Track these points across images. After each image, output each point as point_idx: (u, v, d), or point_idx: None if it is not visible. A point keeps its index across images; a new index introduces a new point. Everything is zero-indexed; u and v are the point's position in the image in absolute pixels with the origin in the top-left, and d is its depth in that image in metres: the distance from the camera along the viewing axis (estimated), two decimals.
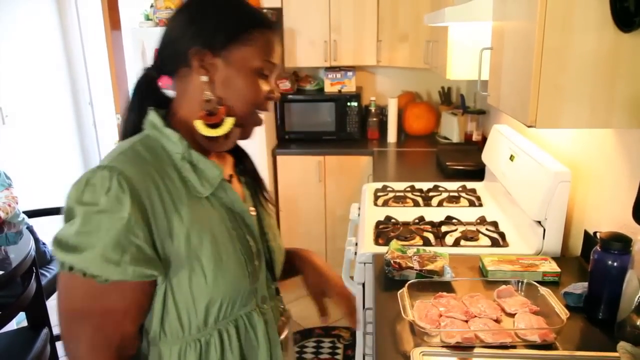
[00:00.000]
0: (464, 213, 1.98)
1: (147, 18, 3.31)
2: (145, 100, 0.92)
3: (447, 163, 2.60)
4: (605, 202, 1.43)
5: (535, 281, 1.31)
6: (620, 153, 1.36)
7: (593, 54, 1.06)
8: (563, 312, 1.14)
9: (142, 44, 3.22)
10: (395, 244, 1.55)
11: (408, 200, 2.18)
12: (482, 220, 1.89)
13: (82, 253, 0.76)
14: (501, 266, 1.43)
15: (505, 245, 1.70)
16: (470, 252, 1.63)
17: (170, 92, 0.94)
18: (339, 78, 3.51)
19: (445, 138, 3.38)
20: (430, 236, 1.77)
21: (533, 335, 1.11)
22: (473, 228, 1.83)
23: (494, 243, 1.71)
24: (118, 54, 3.74)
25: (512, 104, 1.27)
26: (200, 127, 0.88)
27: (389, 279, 1.45)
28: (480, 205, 2.12)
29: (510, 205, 1.91)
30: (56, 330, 1.68)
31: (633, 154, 1.30)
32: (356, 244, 1.87)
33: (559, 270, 1.41)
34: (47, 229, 2.44)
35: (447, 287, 1.36)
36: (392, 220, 1.91)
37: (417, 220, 1.91)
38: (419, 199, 2.18)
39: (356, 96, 3.41)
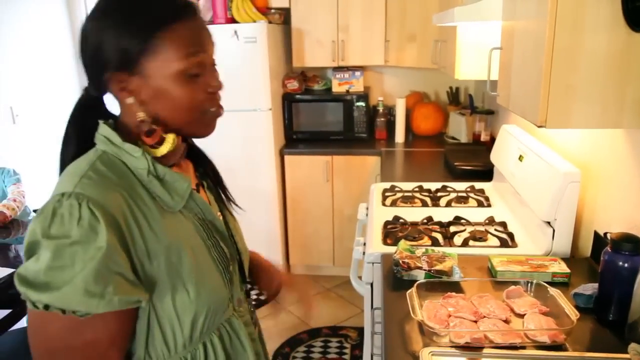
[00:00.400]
0: (473, 213, 1.97)
1: None
2: (88, 118, 0.86)
3: (456, 163, 2.59)
4: (616, 202, 1.43)
5: (545, 282, 1.30)
6: (631, 153, 1.35)
7: (604, 53, 1.05)
8: (573, 313, 1.14)
9: None
10: (403, 244, 1.55)
11: (416, 200, 2.18)
12: (490, 221, 1.88)
13: (59, 290, 0.70)
14: (510, 267, 1.42)
15: (514, 245, 1.70)
16: (478, 253, 1.63)
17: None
18: (346, 78, 3.51)
19: (453, 138, 3.37)
20: (439, 236, 1.77)
21: (543, 336, 1.11)
22: (482, 228, 1.83)
23: (503, 243, 1.70)
24: None
25: (522, 104, 1.27)
26: (147, 148, 0.83)
27: (397, 279, 1.45)
28: (489, 205, 2.11)
29: (519, 205, 1.90)
30: None
31: None
32: (364, 244, 1.87)
33: (568, 271, 1.40)
34: None
35: (456, 287, 1.35)
36: (401, 220, 1.91)
37: (425, 221, 1.91)
38: (427, 199, 2.18)
39: (364, 96, 3.41)
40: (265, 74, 3.12)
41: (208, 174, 1.03)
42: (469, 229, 1.83)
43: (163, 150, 0.84)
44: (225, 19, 3.11)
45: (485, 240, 1.74)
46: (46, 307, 0.71)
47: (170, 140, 0.84)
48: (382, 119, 3.52)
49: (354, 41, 3.37)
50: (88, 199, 0.73)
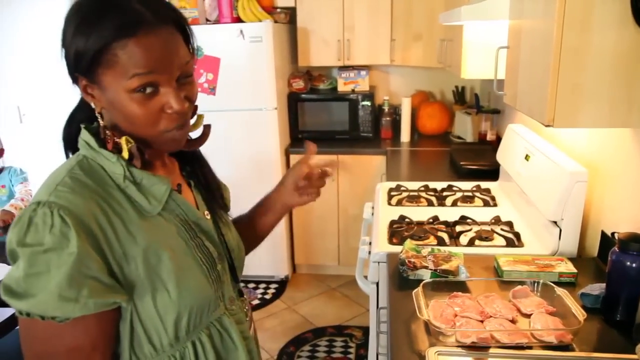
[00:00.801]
0: (479, 213, 1.97)
1: None
2: (78, 113, 0.88)
3: (461, 163, 2.58)
4: (623, 202, 1.42)
5: (551, 282, 1.30)
6: (639, 152, 1.34)
7: (612, 52, 1.04)
8: (580, 313, 1.13)
9: None
10: (409, 243, 1.55)
11: (422, 199, 2.18)
12: (496, 220, 1.88)
13: (35, 297, 0.72)
14: (517, 266, 1.42)
15: (521, 245, 1.69)
16: (485, 252, 1.62)
17: None
18: (352, 77, 3.50)
19: (459, 137, 3.36)
20: (445, 236, 1.77)
21: (549, 336, 1.11)
22: (488, 228, 1.82)
23: (509, 243, 1.70)
24: None
25: (529, 103, 1.26)
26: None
27: (403, 278, 1.45)
28: (495, 205, 2.11)
29: (525, 205, 1.90)
30: None
31: None
32: (370, 243, 1.87)
33: (575, 271, 1.39)
34: None
35: (462, 287, 1.35)
36: (406, 220, 1.91)
37: (431, 220, 1.90)
38: (433, 199, 2.17)
39: (369, 95, 3.41)
40: (271, 73, 3.12)
41: (196, 173, 1.02)
42: (475, 228, 1.83)
43: (124, 155, 0.82)
44: (231, 19, 3.12)
45: (491, 239, 1.73)
46: (27, 314, 0.73)
47: (124, 147, 0.82)
48: (388, 118, 3.52)
49: (359, 40, 3.36)
50: (60, 206, 0.74)
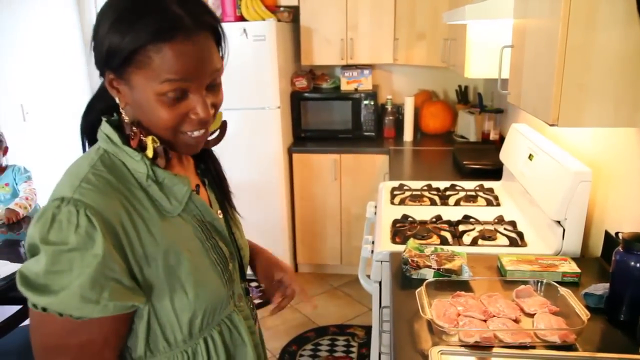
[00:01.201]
0: (482, 212, 1.96)
1: None
2: (98, 102, 0.88)
3: (464, 162, 2.58)
4: (628, 202, 1.41)
5: (555, 282, 1.29)
6: None
7: (618, 51, 1.04)
8: (584, 313, 1.13)
9: None
10: (412, 242, 1.55)
11: (425, 199, 2.17)
12: (500, 220, 1.87)
13: (57, 294, 0.72)
14: (520, 266, 1.41)
15: (524, 245, 1.69)
16: (488, 252, 1.62)
17: None
18: (355, 76, 3.50)
19: (462, 137, 3.35)
20: (448, 235, 1.77)
21: (553, 336, 1.10)
22: (491, 227, 1.82)
23: (512, 243, 1.69)
24: None
25: (534, 103, 1.26)
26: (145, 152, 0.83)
27: (406, 277, 1.44)
28: (498, 204, 2.10)
29: (528, 204, 1.89)
30: None
31: None
32: (373, 242, 1.87)
33: (579, 270, 1.39)
34: None
35: (465, 286, 1.35)
36: (409, 219, 1.90)
37: (434, 219, 1.90)
38: (436, 198, 2.17)
39: (372, 94, 3.41)
40: (274, 72, 3.12)
41: (210, 171, 1.03)
42: (478, 228, 1.82)
43: (148, 154, 0.82)
44: (235, 17, 3.12)
45: (494, 239, 1.73)
46: (44, 309, 0.73)
47: (149, 144, 0.82)
48: (391, 118, 3.52)
49: (362, 39, 3.36)
50: (86, 206, 0.74)
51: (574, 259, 1.45)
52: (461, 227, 1.84)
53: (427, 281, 1.30)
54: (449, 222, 1.88)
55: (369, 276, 1.78)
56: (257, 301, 1.14)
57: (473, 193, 2.21)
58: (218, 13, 3.17)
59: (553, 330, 1.11)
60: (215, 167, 1.04)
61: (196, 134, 0.83)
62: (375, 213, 2.17)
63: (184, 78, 0.76)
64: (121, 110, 0.83)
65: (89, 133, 0.89)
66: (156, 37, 0.73)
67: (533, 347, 1.10)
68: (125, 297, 0.76)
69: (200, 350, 0.90)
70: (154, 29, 0.73)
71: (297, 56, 3.57)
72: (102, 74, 0.82)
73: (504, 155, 2.25)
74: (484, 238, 1.73)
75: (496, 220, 1.87)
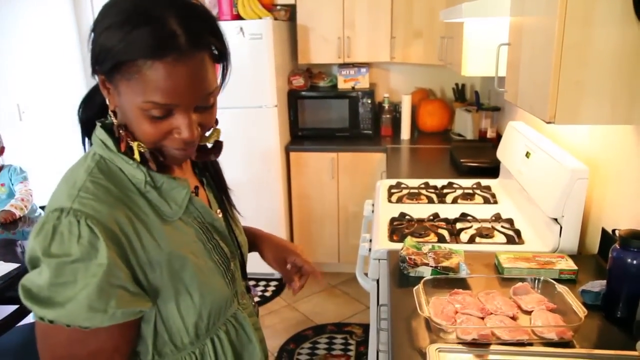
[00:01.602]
0: (479, 210, 1.97)
1: None
2: (97, 94, 0.85)
3: (462, 160, 2.58)
4: (624, 199, 1.42)
5: (552, 279, 1.30)
6: None
7: (615, 48, 1.04)
8: (581, 310, 1.13)
9: None
10: (410, 240, 1.55)
11: (422, 197, 2.18)
12: (497, 218, 1.88)
13: (63, 307, 0.71)
14: (517, 263, 1.42)
15: (521, 242, 1.69)
16: (485, 249, 1.62)
17: None
18: (352, 75, 3.50)
19: (459, 135, 3.36)
20: (445, 233, 1.77)
21: (550, 333, 1.11)
22: (488, 225, 1.82)
23: (510, 240, 1.70)
24: None
25: (531, 100, 1.26)
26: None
27: (403, 275, 1.45)
28: (495, 202, 2.11)
29: (525, 202, 1.90)
30: None
31: None
32: (370, 241, 1.87)
33: (575, 268, 1.39)
34: None
35: (463, 284, 1.35)
36: (407, 217, 1.91)
37: (431, 217, 1.90)
38: (433, 196, 2.17)
39: (370, 93, 3.41)
40: (271, 71, 3.12)
41: (208, 170, 1.02)
42: (476, 225, 1.82)
43: (136, 157, 0.80)
44: (231, 16, 3.11)
45: (491, 237, 1.73)
46: (51, 321, 0.72)
47: (135, 149, 0.80)
48: (388, 116, 3.52)
49: (359, 38, 3.36)
50: (87, 215, 0.73)
51: (571, 256, 1.46)
52: (458, 225, 1.84)
53: (424, 279, 1.30)
54: (446, 220, 1.88)
55: (366, 274, 1.78)
56: (256, 299, 1.13)
57: (470, 191, 2.21)
58: (215, 11, 3.16)
59: (550, 327, 1.12)
60: (214, 165, 1.04)
61: (179, 151, 0.81)
62: (372, 211, 2.18)
63: (169, 102, 0.73)
64: (110, 112, 0.81)
65: (88, 126, 0.87)
66: (147, 53, 0.70)
67: (530, 344, 1.10)
68: (132, 304, 0.76)
69: (208, 351, 0.90)
70: (148, 43, 0.70)
71: (294, 55, 3.56)
72: (94, 72, 0.79)
73: (501, 153, 2.25)
74: (482, 236, 1.73)
75: (493, 218, 1.88)
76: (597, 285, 1.27)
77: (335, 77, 3.59)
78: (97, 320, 0.73)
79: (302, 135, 3.51)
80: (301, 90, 3.47)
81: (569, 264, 1.41)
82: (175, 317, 0.84)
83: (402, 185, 2.29)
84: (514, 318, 1.18)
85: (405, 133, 3.44)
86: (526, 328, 1.13)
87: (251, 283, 3.47)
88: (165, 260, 0.80)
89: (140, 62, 0.71)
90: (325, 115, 3.48)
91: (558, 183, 1.54)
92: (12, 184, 2.63)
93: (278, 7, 3.30)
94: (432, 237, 1.74)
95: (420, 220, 1.88)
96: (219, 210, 0.99)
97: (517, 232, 1.74)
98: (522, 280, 1.32)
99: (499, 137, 2.82)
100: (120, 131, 0.80)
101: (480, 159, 2.57)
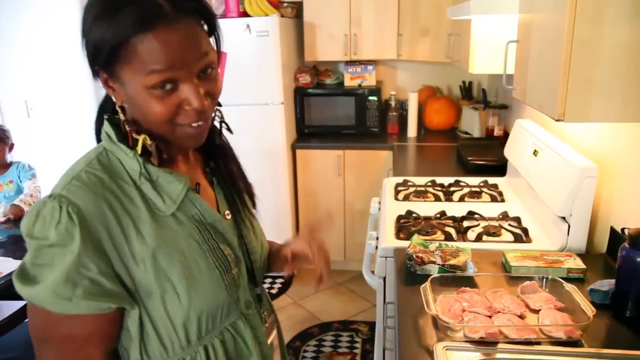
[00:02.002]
0: (486, 208, 1.96)
1: None
2: (106, 104, 0.88)
3: (469, 158, 2.57)
4: (633, 198, 1.41)
5: (560, 278, 1.29)
6: None
7: (625, 45, 1.03)
8: (589, 309, 1.13)
9: None
10: (417, 238, 1.55)
11: (429, 194, 2.17)
12: (504, 216, 1.87)
13: (34, 287, 0.74)
14: (525, 262, 1.41)
15: (529, 241, 1.68)
16: (492, 248, 1.62)
17: None
18: (359, 72, 3.49)
19: (466, 133, 3.34)
20: (452, 231, 1.76)
21: (558, 332, 1.10)
22: (495, 223, 1.81)
23: (517, 239, 1.69)
24: None
25: (539, 98, 1.25)
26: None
27: (410, 273, 1.44)
28: (503, 200, 2.10)
29: (533, 201, 1.89)
30: None
31: None
32: (377, 238, 1.87)
33: (584, 267, 1.39)
34: None
35: (470, 282, 1.35)
36: (414, 215, 1.90)
37: (438, 215, 1.90)
38: (440, 194, 2.17)
39: (376, 90, 3.40)
40: (278, 68, 3.12)
41: (220, 170, 0.98)
42: (483, 224, 1.82)
43: (138, 150, 0.81)
44: (238, 13, 3.11)
45: (499, 235, 1.72)
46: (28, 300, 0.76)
47: (139, 142, 0.80)
48: (395, 114, 3.51)
49: (366, 35, 3.35)
50: (69, 202, 0.74)
51: (579, 255, 1.45)
52: (465, 223, 1.84)
53: (431, 277, 1.30)
54: (453, 218, 1.88)
55: (373, 272, 1.78)
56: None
57: (477, 189, 2.20)
58: (221, 9, 3.16)
59: (558, 326, 1.11)
60: (227, 165, 1.00)
61: (194, 124, 0.80)
62: (379, 209, 2.17)
63: (169, 67, 0.73)
64: (117, 108, 0.81)
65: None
66: (137, 29, 0.71)
67: (538, 343, 1.09)
68: (99, 298, 0.75)
69: (200, 359, 0.87)
70: (134, 19, 0.71)
71: (300, 52, 3.56)
72: (95, 74, 0.80)
73: (509, 151, 2.24)
74: (489, 234, 1.73)
75: (501, 216, 1.87)
76: (606, 284, 1.26)
77: (342, 74, 3.58)
78: (61, 307, 0.74)
79: (308, 132, 3.51)
80: (307, 88, 3.46)
81: (577, 263, 1.40)
82: (163, 317, 0.82)
83: (409, 183, 2.29)
84: (521, 317, 1.18)
85: (411, 131, 3.43)
86: (534, 327, 1.12)
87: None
88: (150, 256, 0.79)
89: (133, 40, 0.72)
90: (331, 112, 3.47)
91: (566, 181, 1.53)
92: (21, 181, 2.64)
93: (285, 4, 3.30)
94: (439, 235, 1.74)
95: (427, 218, 1.88)
96: (227, 212, 0.95)
97: (525, 231, 1.73)
98: (530, 278, 1.31)
99: (506, 135, 2.81)
100: (127, 126, 0.81)
101: (487, 157, 2.56)
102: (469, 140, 3.14)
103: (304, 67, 3.60)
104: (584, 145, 1.72)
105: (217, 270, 0.86)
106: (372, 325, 2.90)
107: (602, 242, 1.56)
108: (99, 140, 0.88)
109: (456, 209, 1.96)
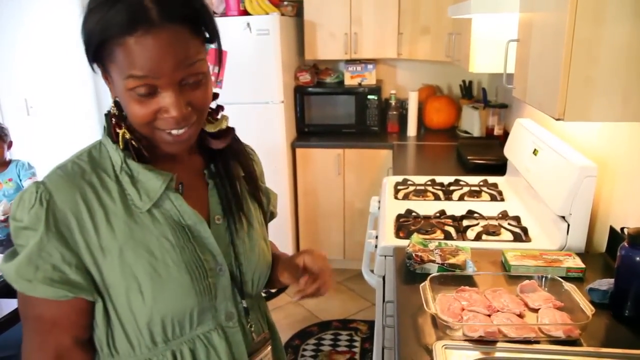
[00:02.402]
0: (486, 207, 1.96)
1: None
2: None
3: (469, 157, 2.58)
4: (633, 197, 1.41)
5: (559, 277, 1.29)
6: None
7: (625, 45, 1.03)
8: (588, 308, 1.13)
9: None
10: (416, 237, 1.55)
11: (429, 193, 2.17)
12: (504, 215, 1.87)
13: (6, 264, 0.78)
14: (524, 261, 1.41)
15: (528, 240, 1.68)
16: (492, 247, 1.62)
17: None
18: (359, 71, 3.49)
19: (466, 132, 3.34)
20: (452, 230, 1.76)
21: (557, 331, 1.10)
22: (495, 222, 1.82)
23: (517, 238, 1.69)
24: None
25: (539, 97, 1.25)
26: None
27: (410, 272, 1.44)
28: (502, 199, 2.10)
29: (533, 200, 1.89)
30: None
31: None
32: (376, 237, 1.87)
33: (583, 266, 1.39)
34: None
35: (469, 281, 1.35)
36: (413, 214, 1.90)
37: (438, 214, 1.90)
38: (440, 193, 2.17)
39: (376, 89, 3.40)
40: (278, 67, 3.11)
41: (220, 174, 0.94)
42: (482, 223, 1.82)
43: (120, 145, 0.82)
44: (238, 11, 3.11)
45: (498, 234, 1.72)
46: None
47: (120, 136, 0.81)
48: (395, 112, 3.51)
49: (366, 34, 3.35)
50: (45, 189, 0.78)
51: (579, 255, 1.45)
52: (465, 222, 1.84)
53: (431, 276, 1.30)
54: (452, 217, 1.88)
55: (372, 271, 1.78)
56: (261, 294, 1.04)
57: (477, 188, 2.20)
58: (222, 7, 3.16)
59: (557, 325, 1.11)
60: (228, 169, 0.95)
61: (174, 132, 0.79)
62: (379, 208, 2.17)
63: (146, 75, 0.72)
64: (111, 102, 0.84)
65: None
66: (120, 30, 0.71)
67: (537, 342, 1.09)
68: (57, 285, 0.77)
69: None
70: (120, 20, 0.70)
71: (300, 50, 3.56)
72: (90, 64, 0.80)
73: (508, 151, 2.24)
74: (488, 233, 1.73)
75: (500, 216, 1.87)
76: (605, 283, 1.26)
77: (342, 73, 3.58)
78: (22, 287, 0.77)
79: (308, 131, 3.51)
80: (308, 86, 3.46)
81: (577, 262, 1.40)
82: (128, 313, 0.81)
83: (409, 182, 2.29)
84: (520, 316, 1.18)
85: (411, 130, 3.43)
86: (533, 326, 1.13)
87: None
88: (117, 250, 0.79)
89: (116, 40, 0.72)
90: (331, 111, 3.47)
91: (566, 181, 1.53)
92: (20, 179, 2.64)
93: (285, 3, 3.29)
94: (439, 234, 1.74)
95: (427, 217, 1.88)
96: (218, 217, 0.91)
97: (524, 230, 1.73)
98: (529, 278, 1.31)
99: (506, 134, 2.81)
100: (111, 119, 0.83)
101: (487, 156, 2.56)
102: (468, 140, 3.14)
103: (304, 65, 3.59)
104: (584, 145, 1.72)
105: (190, 275, 0.83)
106: (371, 324, 2.90)
107: (602, 242, 1.56)
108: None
109: (456, 208, 1.96)
